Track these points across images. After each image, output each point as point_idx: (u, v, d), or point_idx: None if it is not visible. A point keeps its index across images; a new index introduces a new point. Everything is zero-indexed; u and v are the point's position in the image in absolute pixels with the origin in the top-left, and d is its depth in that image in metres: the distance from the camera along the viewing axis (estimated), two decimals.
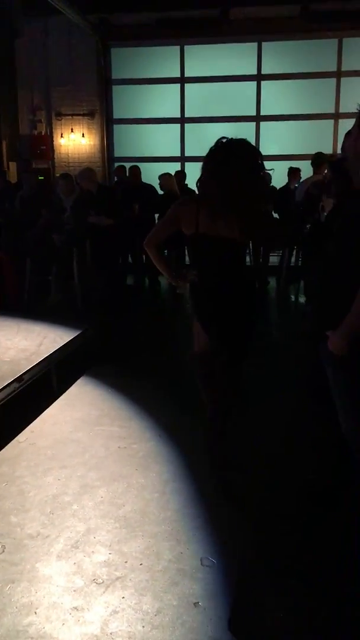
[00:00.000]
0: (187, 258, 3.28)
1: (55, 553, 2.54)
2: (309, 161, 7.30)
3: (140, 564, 2.46)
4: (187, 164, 10.03)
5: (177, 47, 10.11)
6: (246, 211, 2.79)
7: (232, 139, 2.83)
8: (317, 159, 6.85)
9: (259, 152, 2.86)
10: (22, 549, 2.57)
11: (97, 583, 2.35)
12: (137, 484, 3.10)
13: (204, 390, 3.20)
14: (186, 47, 10.11)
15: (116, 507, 2.88)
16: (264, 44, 9.86)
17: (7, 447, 3.45)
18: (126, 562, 2.47)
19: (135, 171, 8.24)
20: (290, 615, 2.19)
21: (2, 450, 3.41)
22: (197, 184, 2.91)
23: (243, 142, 2.84)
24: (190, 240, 2.93)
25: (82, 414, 3.95)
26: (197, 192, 2.95)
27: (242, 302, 2.96)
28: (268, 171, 2.92)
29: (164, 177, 7.69)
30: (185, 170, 9.32)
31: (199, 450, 3.43)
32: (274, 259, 8.40)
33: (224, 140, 2.83)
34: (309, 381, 3.93)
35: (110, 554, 2.52)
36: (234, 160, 2.76)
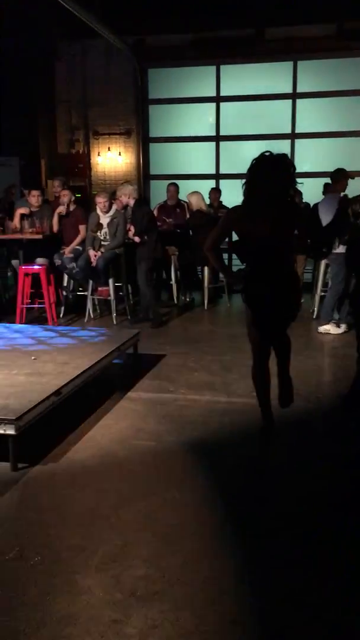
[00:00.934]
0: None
1: (93, 565, 2.55)
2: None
3: (179, 579, 2.46)
4: (221, 181, 10.10)
5: (213, 67, 10.24)
6: (284, 211, 3.33)
7: (274, 153, 3.35)
8: (337, 175, 6.79)
9: (294, 165, 3.38)
10: (61, 561, 2.59)
11: (135, 597, 2.35)
12: (174, 499, 3.10)
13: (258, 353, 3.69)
14: (222, 67, 10.23)
15: (153, 522, 2.89)
16: (299, 63, 9.91)
17: (45, 461, 3.50)
18: (164, 576, 2.47)
19: (171, 189, 8.42)
20: (327, 629, 2.17)
21: (40, 464, 3.46)
22: (243, 190, 3.41)
23: (283, 156, 3.38)
24: (241, 240, 3.43)
25: (119, 428, 3.98)
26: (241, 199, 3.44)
27: (287, 289, 3.47)
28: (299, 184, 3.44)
29: (192, 195, 7.79)
30: (220, 187, 9.40)
31: (235, 465, 3.43)
32: (307, 276, 8.36)
33: (267, 154, 3.35)
34: (347, 396, 3.89)
35: (148, 568, 2.53)
36: (276, 171, 3.28)
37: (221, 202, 9.07)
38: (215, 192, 9.09)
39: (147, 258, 6.85)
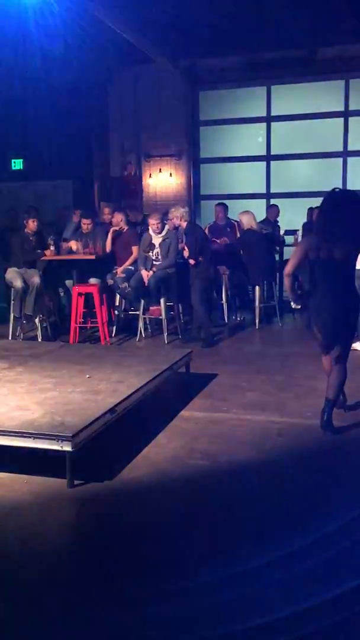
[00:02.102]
0: None
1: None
2: None
3: None
4: (272, 201, 10.07)
5: (264, 87, 10.29)
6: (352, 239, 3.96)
7: (340, 189, 4.18)
8: None
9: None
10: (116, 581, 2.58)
11: None
12: (227, 519, 3.06)
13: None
14: (273, 87, 10.28)
15: (209, 542, 2.85)
16: (351, 81, 9.86)
17: (101, 478, 3.52)
18: None
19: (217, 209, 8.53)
20: None
21: (96, 481, 3.48)
22: (315, 221, 4.38)
23: (349, 192, 4.18)
24: (314, 262, 4.05)
25: (172, 447, 3.97)
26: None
27: (347, 311, 4.10)
28: None
29: (244, 215, 7.81)
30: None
31: (290, 486, 3.37)
32: None
33: (337, 190, 4.11)
34: None
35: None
36: (341, 207, 3.97)
37: (277, 220, 9.11)
38: (274, 209, 9.15)
39: (202, 278, 6.89)
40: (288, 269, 4.18)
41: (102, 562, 2.73)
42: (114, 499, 3.31)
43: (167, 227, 7.16)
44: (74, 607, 2.43)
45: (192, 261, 6.81)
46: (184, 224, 6.99)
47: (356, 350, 6.24)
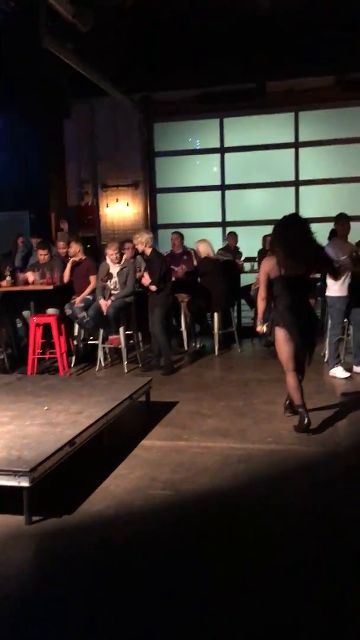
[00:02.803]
0: None
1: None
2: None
3: None
4: (228, 229, 10.25)
5: (217, 120, 10.55)
6: (305, 257, 4.49)
7: (287, 215, 4.64)
8: (338, 218, 6.86)
9: (305, 220, 4.56)
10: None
11: None
12: (192, 550, 3.03)
13: (290, 363, 4.61)
14: (225, 119, 10.55)
15: (171, 576, 2.82)
16: (300, 113, 10.21)
17: (60, 513, 3.44)
18: None
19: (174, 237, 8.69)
20: None
21: (55, 517, 3.40)
22: (269, 244, 4.87)
23: (294, 216, 4.75)
24: (277, 280, 4.52)
25: (133, 477, 3.93)
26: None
27: (309, 314, 4.71)
28: None
29: (201, 243, 7.90)
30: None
31: (253, 512, 3.36)
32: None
33: (282, 217, 4.60)
34: None
35: None
36: (289, 229, 4.53)
37: (237, 247, 9.27)
38: (233, 236, 9.34)
39: (162, 305, 6.88)
40: (262, 294, 4.61)
41: (61, 601, 2.66)
42: (74, 535, 3.24)
43: (124, 256, 7.17)
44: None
45: (154, 287, 6.79)
46: (148, 250, 6.91)
47: (334, 376, 6.33)
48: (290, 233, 4.47)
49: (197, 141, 11.10)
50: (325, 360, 6.93)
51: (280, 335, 4.60)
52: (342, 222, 6.64)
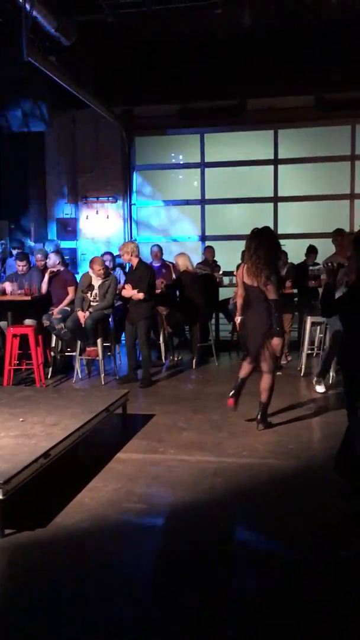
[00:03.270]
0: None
1: None
2: (326, 239, 7.50)
3: None
4: (207, 242, 10.31)
5: (197, 135, 10.66)
6: (269, 269, 4.91)
7: (259, 228, 5.04)
8: (335, 235, 7.04)
9: (275, 234, 5.20)
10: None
11: None
12: (165, 565, 3.02)
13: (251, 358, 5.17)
14: (206, 135, 10.66)
15: (143, 591, 2.81)
16: (280, 131, 10.36)
17: (33, 526, 3.41)
18: None
19: (154, 250, 8.71)
20: None
21: (28, 530, 3.37)
22: (241, 254, 5.50)
23: (266, 229, 5.10)
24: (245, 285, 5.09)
25: (108, 490, 3.91)
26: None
27: (260, 323, 5.02)
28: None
29: (180, 257, 7.94)
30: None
31: (226, 525, 3.37)
32: (294, 334, 8.45)
33: (255, 230, 5.03)
34: (337, 456, 3.88)
35: None
36: (261, 242, 4.94)
37: (215, 260, 9.32)
38: (210, 250, 9.35)
39: (147, 317, 6.90)
40: (239, 292, 5.28)
41: (33, 615, 2.63)
42: (47, 548, 3.21)
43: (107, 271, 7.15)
44: None
45: (141, 295, 6.77)
46: (135, 260, 6.91)
47: (317, 392, 6.37)
48: (255, 247, 4.92)
49: (180, 156, 11.18)
50: (302, 374, 7.01)
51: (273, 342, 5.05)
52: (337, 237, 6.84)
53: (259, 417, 5.17)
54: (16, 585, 2.92)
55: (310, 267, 8.26)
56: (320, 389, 6.40)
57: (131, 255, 6.89)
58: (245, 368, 5.23)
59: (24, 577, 2.96)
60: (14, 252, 8.13)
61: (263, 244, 4.90)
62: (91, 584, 2.87)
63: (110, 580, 2.89)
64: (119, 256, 7.79)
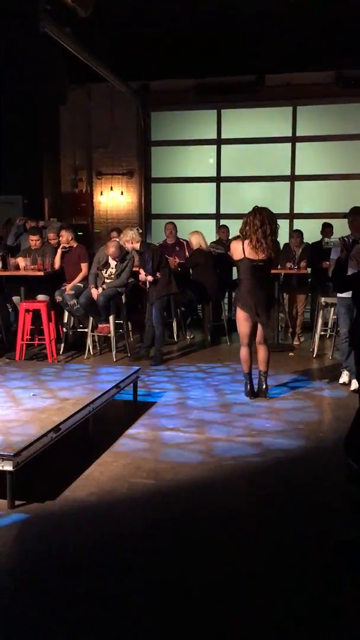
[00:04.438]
0: None
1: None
2: (341, 219, 7.38)
3: None
4: (222, 221, 10.23)
5: (214, 111, 10.50)
6: (269, 244, 5.11)
7: (260, 207, 5.20)
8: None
9: (273, 214, 5.19)
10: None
11: None
12: (172, 539, 3.04)
13: (245, 339, 5.39)
14: (223, 111, 10.50)
15: (150, 566, 2.83)
16: (298, 108, 10.18)
17: (43, 498, 3.45)
18: None
19: (169, 227, 8.63)
20: None
21: (38, 502, 3.41)
22: (240, 230, 5.27)
23: (266, 209, 5.19)
24: (240, 263, 5.25)
25: (117, 465, 3.94)
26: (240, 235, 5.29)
27: (266, 295, 5.30)
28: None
29: (193, 235, 7.87)
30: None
31: (234, 503, 3.39)
32: (307, 315, 8.39)
33: (256, 207, 5.19)
34: (347, 437, 3.87)
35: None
36: (265, 217, 5.10)
37: (229, 239, 9.23)
38: (225, 230, 9.24)
39: (162, 296, 6.90)
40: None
41: (42, 585, 2.67)
42: (56, 519, 3.25)
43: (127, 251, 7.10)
44: (13, 628, 2.37)
45: (150, 277, 6.78)
46: (137, 245, 6.88)
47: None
48: (260, 222, 5.03)
49: (196, 133, 11.02)
50: (314, 355, 6.98)
51: (240, 314, 5.29)
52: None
53: (264, 387, 5.42)
54: (24, 555, 2.96)
55: (326, 240, 8.07)
56: (344, 377, 5.92)
57: (133, 242, 6.84)
58: (245, 358, 5.40)
59: (33, 547, 3.00)
60: (28, 225, 8.09)
61: (268, 220, 5.07)
62: (99, 553, 2.90)
63: (119, 551, 2.92)
64: None
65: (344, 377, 5.90)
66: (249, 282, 5.21)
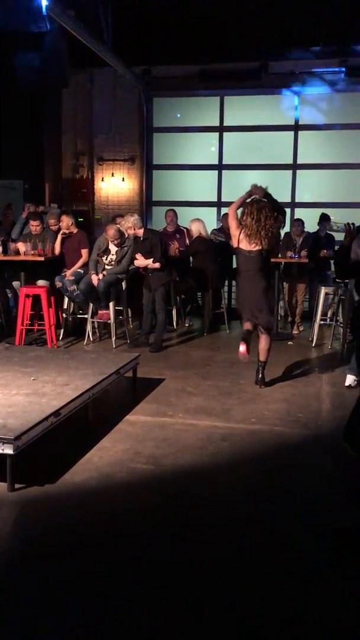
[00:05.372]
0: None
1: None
2: (345, 209, 7.38)
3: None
4: (223, 209, 10.19)
5: (217, 98, 10.43)
6: (266, 234, 5.15)
7: (258, 199, 5.28)
8: None
9: (270, 207, 5.21)
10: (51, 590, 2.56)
11: None
12: (169, 524, 3.07)
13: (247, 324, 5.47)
14: (226, 97, 10.43)
15: (147, 549, 2.86)
16: (302, 96, 10.11)
17: (42, 482, 3.47)
18: None
19: (170, 214, 8.60)
20: None
21: (37, 485, 3.43)
22: (239, 219, 5.31)
23: (264, 202, 5.24)
24: (237, 252, 5.37)
25: (116, 451, 3.96)
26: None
27: (260, 286, 5.27)
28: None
29: (194, 222, 7.84)
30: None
31: (232, 489, 3.41)
32: (306, 304, 8.39)
33: (256, 199, 5.30)
34: (347, 425, 3.89)
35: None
36: (262, 208, 5.17)
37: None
38: (227, 218, 9.16)
39: (165, 283, 6.90)
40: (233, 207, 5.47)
41: (42, 568, 2.70)
42: (55, 503, 3.27)
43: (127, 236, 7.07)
44: (11, 613, 2.39)
45: (157, 264, 6.74)
46: (140, 231, 6.82)
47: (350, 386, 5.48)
48: (257, 214, 5.11)
49: (199, 119, 10.95)
50: (314, 344, 6.97)
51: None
52: None
53: (260, 376, 5.45)
54: (25, 535, 2.98)
55: (331, 224, 8.04)
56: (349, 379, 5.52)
57: (134, 229, 6.77)
58: (248, 324, 5.47)
59: (32, 528, 3.02)
60: (29, 209, 8.05)
61: (266, 213, 5.12)
62: (97, 537, 2.93)
63: (116, 534, 2.95)
64: None
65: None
66: (243, 278, 5.31)
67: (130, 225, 6.78)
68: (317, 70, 9.64)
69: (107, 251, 7.05)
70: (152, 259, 6.72)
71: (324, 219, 8.34)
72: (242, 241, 5.22)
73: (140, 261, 6.81)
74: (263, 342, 5.44)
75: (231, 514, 3.21)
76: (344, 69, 9.43)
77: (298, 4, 8.43)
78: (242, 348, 5.20)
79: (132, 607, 2.42)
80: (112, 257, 7.04)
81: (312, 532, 3.03)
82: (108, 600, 2.44)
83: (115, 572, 2.64)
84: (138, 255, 6.84)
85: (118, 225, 7.20)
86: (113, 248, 7.04)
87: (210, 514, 3.20)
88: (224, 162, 10.61)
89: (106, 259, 7.05)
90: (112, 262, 7.03)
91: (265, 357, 5.46)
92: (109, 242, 7.04)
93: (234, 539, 2.97)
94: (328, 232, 8.14)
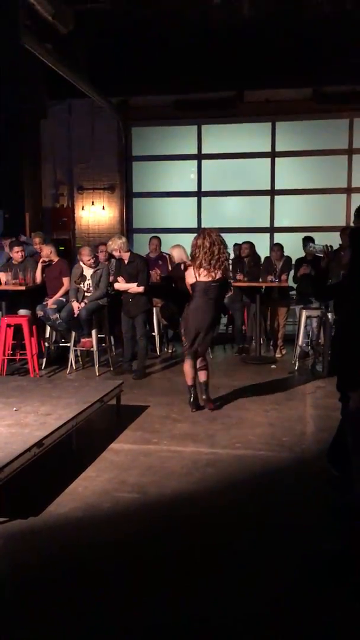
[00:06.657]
0: None
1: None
2: (323, 233, 7.48)
3: None
4: None
5: (195, 126, 10.61)
6: (219, 266, 5.25)
7: (207, 228, 5.46)
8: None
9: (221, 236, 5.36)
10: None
11: None
12: (158, 553, 3.03)
13: (189, 347, 5.44)
14: (203, 126, 10.62)
15: (139, 579, 2.81)
16: (277, 123, 10.33)
17: (26, 514, 3.41)
18: None
19: (154, 242, 8.62)
20: None
21: (21, 518, 3.37)
22: (190, 254, 5.47)
23: (214, 230, 5.38)
24: (194, 285, 5.33)
25: (102, 480, 3.91)
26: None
27: (214, 313, 5.39)
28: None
29: (174, 249, 7.88)
30: None
31: (217, 516, 3.38)
32: (289, 328, 8.44)
33: (204, 229, 5.43)
34: (331, 446, 3.89)
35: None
36: (215, 239, 5.27)
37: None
38: None
39: (146, 310, 6.91)
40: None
41: (24, 602, 2.63)
42: (39, 536, 3.21)
43: (99, 259, 7.11)
44: None
45: (141, 289, 6.75)
46: (126, 255, 6.84)
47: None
48: (210, 243, 5.19)
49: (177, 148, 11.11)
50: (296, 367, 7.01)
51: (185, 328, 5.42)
52: None
53: (205, 397, 5.57)
54: (5, 573, 2.91)
55: (310, 245, 8.13)
56: None
57: (121, 251, 6.81)
58: (189, 372, 5.50)
59: (16, 563, 2.96)
60: (6, 242, 8.04)
61: (217, 240, 5.25)
62: (83, 570, 2.87)
63: (103, 566, 2.89)
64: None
65: None
66: (199, 301, 5.30)
67: (117, 247, 6.80)
68: (290, 99, 9.86)
69: (82, 277, 7.05)
70: (135, 283, 6.74)
71: (308, 240, 8.42)
72: (201, 274, 5.26)
73: (121, 284, 6.82)
74: (201, 363, 5.55)
75: (218, 539, 3.17)
76: (316, 97, 9.67)
77: (272, 33, 8.64)
78: (209, 405, 5.47)
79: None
80: (89, 282, 7.04)
81: (301, 555, 3.00)
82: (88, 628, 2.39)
83: (100, 603, 2.58)
84: (120, 279, 6.85)
85: (88, 247, 7.28)
86: (87, 273, 7.04)
87: (195, 541, 3.16)
88: (203, 189, 10.75)
89: (84, 286, 7.04)
90: (90, 288, 7.02)
91: (206, 377, 5.57)
92: (83, 269, 7.05)
93: (223, 564, 2.93)
94: (309, 254, 8.21)
